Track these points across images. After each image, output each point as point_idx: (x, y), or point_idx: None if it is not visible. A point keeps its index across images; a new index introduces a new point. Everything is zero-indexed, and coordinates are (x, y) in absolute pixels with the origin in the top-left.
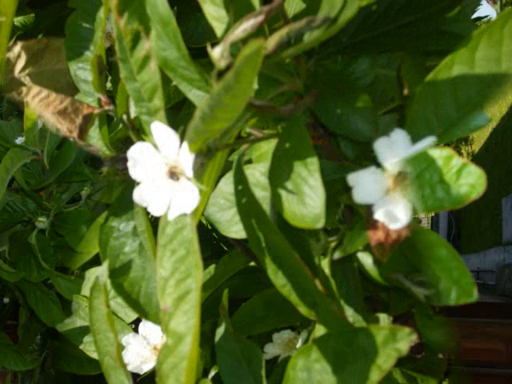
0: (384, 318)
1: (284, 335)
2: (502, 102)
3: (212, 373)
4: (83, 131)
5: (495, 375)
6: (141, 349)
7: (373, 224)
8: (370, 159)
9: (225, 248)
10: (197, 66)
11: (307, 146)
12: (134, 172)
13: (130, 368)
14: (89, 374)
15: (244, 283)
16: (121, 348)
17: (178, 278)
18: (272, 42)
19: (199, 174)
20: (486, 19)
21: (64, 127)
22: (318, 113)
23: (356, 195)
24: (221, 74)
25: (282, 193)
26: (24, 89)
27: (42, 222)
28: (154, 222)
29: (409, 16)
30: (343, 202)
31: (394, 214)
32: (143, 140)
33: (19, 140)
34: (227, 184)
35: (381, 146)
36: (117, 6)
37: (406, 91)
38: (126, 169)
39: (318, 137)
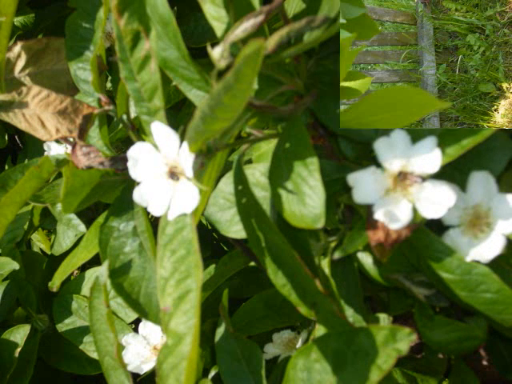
0: (384, 318)
1: (284, 335)
2: None
3: (212, 373)
4: (83, 131)
5: None
6: (141, 349)
7: (373, 224)
8: (370, 159)
9: (225, 248)
10: (197, 66)
11: (307, 145)
12: (134, 172)
13: (130, 368)
14: (89, 374)
15: (244, 283)
16: (121, 348)
17: (178, 278)
18: (272, 42)
19: (199, 174)
20: None
21: (64, 127)
22: (318, 113)
23: (356, 195)
24: (221, 73)
25: (282, 193)
26: (24, 89)
27: None
28: (154, 222)
29: None
30: (343, 202)
31: (394, 213)
32: (143, 140)
33: None
34: (227, 184)
35: (381, 146)
36: (117, 6)
37: None
38: (125, 169)
39: (318, 137)
